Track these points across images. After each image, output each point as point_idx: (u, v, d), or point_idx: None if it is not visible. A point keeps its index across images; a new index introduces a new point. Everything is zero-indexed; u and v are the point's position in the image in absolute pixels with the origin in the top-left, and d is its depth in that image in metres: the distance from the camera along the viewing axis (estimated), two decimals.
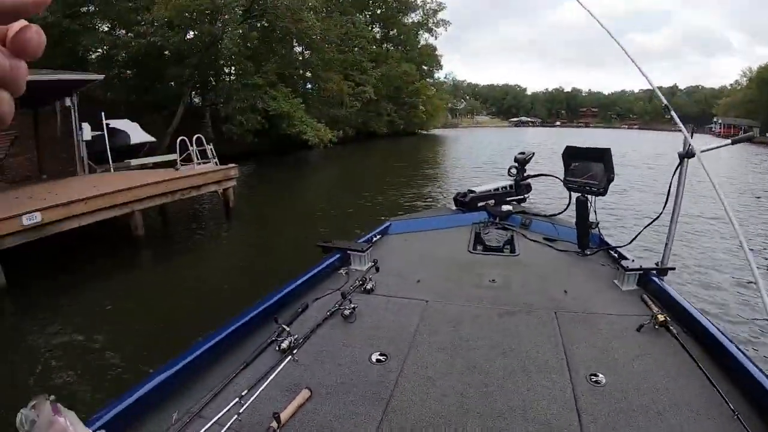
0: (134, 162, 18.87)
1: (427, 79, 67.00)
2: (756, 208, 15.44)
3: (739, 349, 2.67)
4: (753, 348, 5.87)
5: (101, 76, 18.18)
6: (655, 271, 3.86)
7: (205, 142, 14.89)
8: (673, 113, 3.60)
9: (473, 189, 6.23)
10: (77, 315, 7.02)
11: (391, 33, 59.24)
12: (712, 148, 3.79)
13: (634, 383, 2.53)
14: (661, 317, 3.06)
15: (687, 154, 3.72)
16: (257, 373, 2.65)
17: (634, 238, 4.54)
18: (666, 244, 4.04)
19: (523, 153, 6.36)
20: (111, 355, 5.66)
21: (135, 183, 10.97)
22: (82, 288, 8.23)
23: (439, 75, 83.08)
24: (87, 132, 16.64)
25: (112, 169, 17.05)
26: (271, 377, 2.64)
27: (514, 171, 6.32)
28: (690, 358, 2.73)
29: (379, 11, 56.74)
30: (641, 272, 3.85)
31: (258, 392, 2.48)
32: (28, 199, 10.01)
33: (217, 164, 14.64)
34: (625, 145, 44.36)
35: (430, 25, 64.56)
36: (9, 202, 9.35)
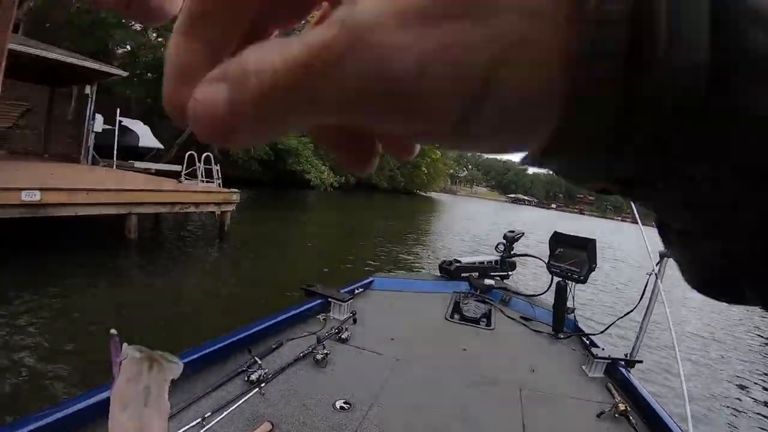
0: (138, 164, 18.91)
1: None
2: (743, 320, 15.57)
3: None
4: None
5: (125, 73, 18.43)
6: (623, 362, 3.98)
7: (213, 162, 14.97)
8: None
9: (459, 259, 6.33)
10: (44, 303, 6.97)
11: None
12: None
13: None
14: (622, 406, 3.18)
15: (667, 254, 3.86)
16: (222, 399, 2.72)
17: (606, 328, 4.67)
18: (637, 336, 4.18)
19: (512, 231, 6.49)
20: (67, 357, 5.62)
21: (138, 185, 11.04)
22: (59, 277, 8.17)
23: None
24: (99, 123, 16.75)
25: (114, 165, 17.08)
26: (236, 405, 2.71)
27: (501, 247, 6.45)
28: None
29: None
30: (609, 361, 3.96)
31: (221, 417, 2.55)
32: (30, 175, 10.07)
33: (220, 186, 14.76)
34: (616, 238, 44.64)
35: None
36: (10, 173, 9.40)
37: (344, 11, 0.17)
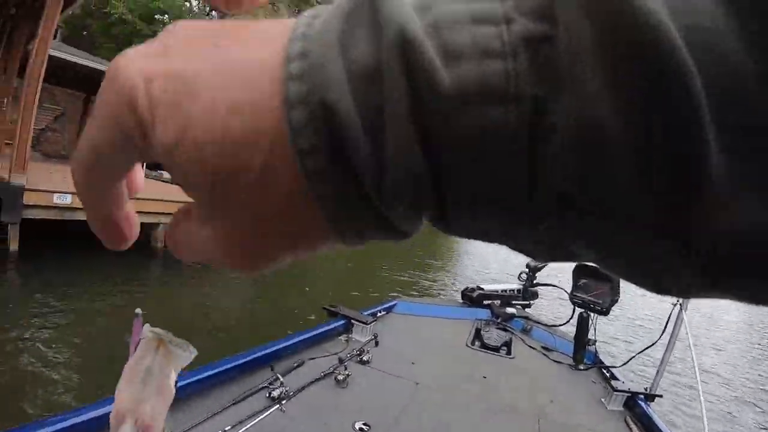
0: (166, 174, 19.11)
1: None
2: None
3: None
4: None
5: None
6: (642, 396, 3.91)
7: None
8: None
9: (482, 286, 6.31)
10: (72, 305, 7.07)
11: None
12: None
13: None
14: None
15: None
16: (243, 415, 2.73)
17: (627, 361, 4.58)
18: (658, 370, 4.11)
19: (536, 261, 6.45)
20: (86, 358, 5.69)
21: (167, 196, 11.15)
22: (86, 279, 8.31)
23: None
24: None
25: (143, 174, 17.32)
26: (256, 420, 2.71)
27: (524, 276, 6.43)
28: None
29: None
30: (629, 394, 3.90)
31: (241, 431, 2.56)
32: (62, 178, 10.24)
33: None
34: None
35: None
36: (43, 176, 9.56)
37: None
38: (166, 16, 29.57)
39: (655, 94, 0.19)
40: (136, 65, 0.23)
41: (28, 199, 8.00)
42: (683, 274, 0.22)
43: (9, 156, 8.68)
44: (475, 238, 0.25)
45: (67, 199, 8.33)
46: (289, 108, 0.21)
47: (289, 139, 0.22)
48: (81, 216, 8.72)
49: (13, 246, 8.22)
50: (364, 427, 2.91)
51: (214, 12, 33.02)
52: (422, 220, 0.25)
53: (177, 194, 12.04)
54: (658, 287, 0.23)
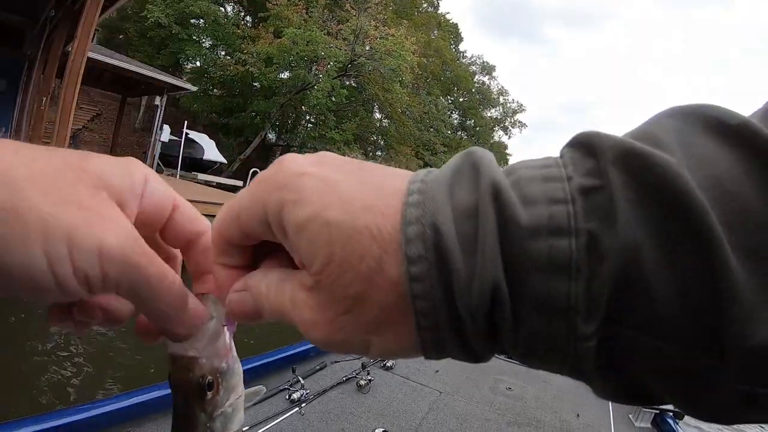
0: (201, 176, 19.38)
1: None
2: None
3: None
4: None
5: (194, 88, 19.08)
6: (671, 413, 3.80)
7: None
8: None
9: None
10: None
11: (468, 123, 59.88)
12: None
13: None
14: None
15: None
16: (262, 415, 2.70)
17: None
18: None
19: None
20: (118, 353, 5.73)
21: (204, 198, 11.21)
22: None
23: None
24: (166, 134, 17.29)
25: (178, 176, 17.54)
26: (275, 422, 2.68)
27: None
28: None
29: (461, 99, 57.74)
30: (657, 411, 3.79)
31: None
32: None
33: None
34: None
35: (506, 123, 65.53)
36: None
37: (296, 318, 0.33)
38: (202, 20, 29.99)
39: (678, 225, 0.25)
40: (297, 162, 0.32)
41: None
42: (722, 388, 0.26)
43: None
44: (525, 355, 0.30)
45: None
46: (405, 225, 0.28)
47: (402, 245, 0.28)
48: None
49: None
50: None
51: (248, 17, 33.52)
52: (494, 343, 0.29)
53: (212, 196, 12.17)
54: (702, 404, 0.27)
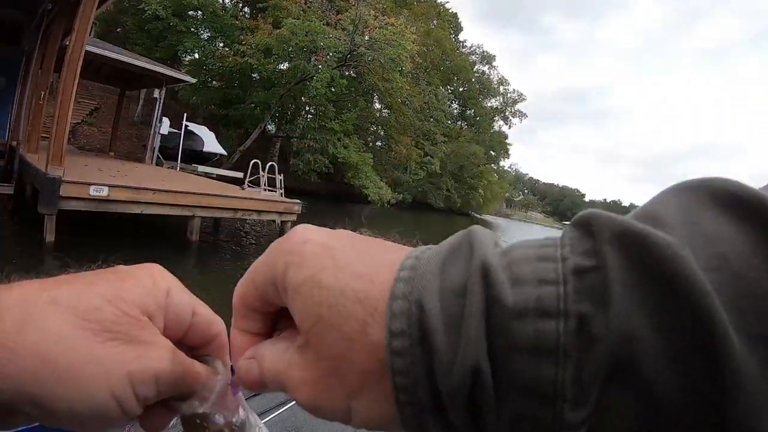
0: (201, 168, 19.35)
1: (492, 165, 67.53)
2: None
3: None
4: None
5: (193, 80, 19.02)
6: None
7: (276, 172, 15.12)
8: None
9: None
10: None
11: (468, 112, 59.84)
12: None
13: None
14: None
15: None
16: (263, 406, 2.67)
17: None
18: None
19: None
20: None
21: (202, 189, 11.21)
22: None
23: (505, 163, 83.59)
24: (165, 126, 17.28)
25: (178, 168, 17.52)
26: (277, 413, 2.65)
27: None
28: None
29: (461, 89, 57.64)
30: None
31: (261, 423, 2.50)
32: (98, 171, 10.40)
33: (282, 195, 14.86)
34: None
35: (507, 113, 65.50)
36: (79, 168, 9.66)
37: (288, 383, 0.35)
38: (199, 12, 29.90)
39: (676, 309, 0.24)
40: (305, 231, 0.36)
41: (65, 191, 8.01)
42: None
43: (46, 149, 8.80)
44: None
45: (104, 191, 8.38)
46: (392, 299, 0.30)
47: (387, 319, 0.29)
48: (117, 208, 8.83)
49: (50, 237, 8.25)
50: None
51: (246, 8, 33.39)
52: (477, 426, 0.29)
53: (211, 188, 12.14)
54: None
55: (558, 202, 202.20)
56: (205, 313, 0.44)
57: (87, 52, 9.03)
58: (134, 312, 0.37)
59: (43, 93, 11.14)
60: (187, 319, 0.42)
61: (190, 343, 0.43)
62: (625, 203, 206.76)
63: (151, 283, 0.40)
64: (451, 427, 0.29)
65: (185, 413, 0.41)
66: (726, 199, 0.27)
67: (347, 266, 0.32)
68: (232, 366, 0.43)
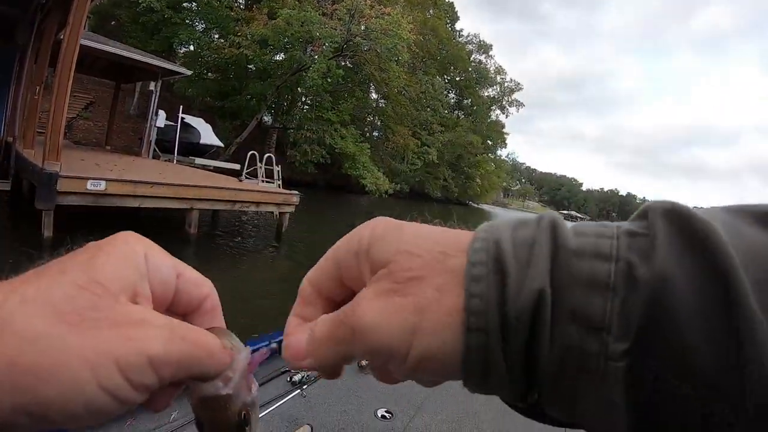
0: (198, 160, 19.32)
1: (490, 155, 67.51)
2: None
3: None
4: None
5: (189, 72, 18.97)
6: None
7: (274, 163, 15.11)
8: None
9: None
10: None
11: (465, 102, 59.80)
12: None
13: None
14: None
15: None
16: (263, 398, 2.71)
17: None
18: None
19: None
20: None
21: (200, 181, 11.17)
22: None
23: (502, 153, 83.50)
24: (162, 119, 17.20)
25: (175, 160, 17.49)
26: (276, 405, 2.69)
27: None
28: None
29: (458, 78, 57.56)
30: None
31: (261, 416, 2.54)
32: (95, 165, 10.37)
33: (280, 186, 14.84)
34: None
35: (504, 102, 65.45)
36: (75, 163, 9.63)
37: (350, 314, 0.35)
38: (194, 4, 29.77)
39: (706, 265, 0.28)
40: (372, 222, 0.38)
41: (62, 186, 8.00)
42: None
43: (42, 144, 8.77)
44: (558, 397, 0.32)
45: (101, 186, 8.37)
46: (473, 241, 0.34)
47: (468, 252, 0.33)
48: (114, 202, 8.81)
49: (47, 233, 8.22)
50: (386, 414, 2.86)
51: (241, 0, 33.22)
52: (525, 384, 0.32)
53: (209, 180, 12.13)
54: None
55: (555, 192, 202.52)
56: (190, 273, 0.42)
57: (81, 46, 8.98)
58: (113, 290, 0.34)
59: (38, 88, 11.10)
60: (172, 283, 0.40)
61: (179, 310, 0.41)
62: (622, 192, 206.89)
63: (125, 253, 0.37)
64: (508, 360, 0.31)
65: (206, 395, 0.38)
66: (763, 216, 0.32)
67: (424, 233, 0.36)
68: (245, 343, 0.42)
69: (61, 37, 9.16)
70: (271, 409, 2.65)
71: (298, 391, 2.85)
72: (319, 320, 0.37)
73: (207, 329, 0.39)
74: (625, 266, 0.30)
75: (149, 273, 0.37)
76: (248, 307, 8.07)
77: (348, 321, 0.35)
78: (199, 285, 0.42)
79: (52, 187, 7.93)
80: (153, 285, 0.38)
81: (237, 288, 9.13)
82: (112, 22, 29.97)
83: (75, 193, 8.17)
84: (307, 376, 2.96)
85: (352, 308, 0.35)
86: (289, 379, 2.92)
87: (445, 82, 53.67)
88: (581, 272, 0.31)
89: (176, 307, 0.41)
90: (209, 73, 31.79)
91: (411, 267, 0.34)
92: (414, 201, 45.09)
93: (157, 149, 17.73)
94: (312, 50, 29.15)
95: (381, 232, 0.36)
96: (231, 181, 13.20)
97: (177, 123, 18.71)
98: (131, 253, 0.37)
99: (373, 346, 0.34)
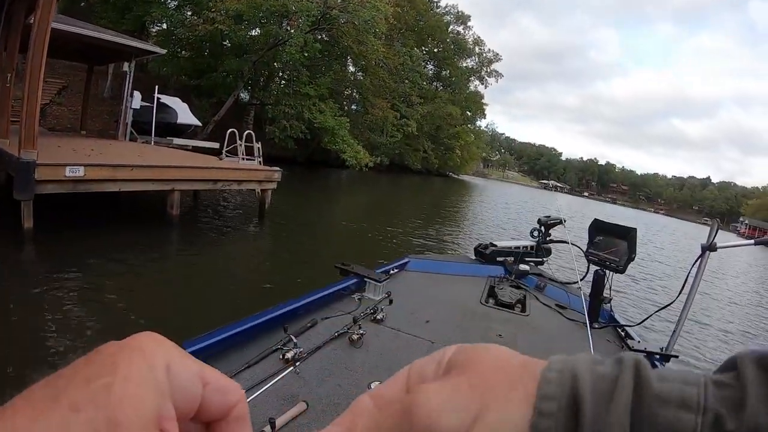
0: (176, 141, 19.13)
1: (469, 126, 67.53)
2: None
3: None
4: None
5: (163, 51, 18.62)
6: (658, 356, 3.84)
7: (254, 140, 15.02)
8: None
9: (495, 243, 6.25)
10: (92, 276, 7.12)
11: (443, 73, 59.62)
12: (734, 245, 3.85)
13: None
14: None
15: (710, 247, 3.65)
16: (257, 377, 2.74)
17: (644, 320, 4.51)
18: (674, 330, 3.93)
19: (548, 216, 6.41)
20: (107, 324, 5.74)
21: (179, 162, 11.07)
22: (106, 249, 8.35)
23: (481, 123, 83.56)
24: (137, 100, 16.91)
25: (153, 142, 17.30)
26: (271, 383, 2.72)
27: (536, 233, 6.38)
28: None
29: (436, 50, 57.30)
30: (644, 354, 3.83)
31: (255, 395, 2.57)
32: (71, 151, 10.19)
33: (261, 163, 14.73)
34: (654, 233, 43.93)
35: (482, 73, 65.37)
36: (52, 150, 9.45)
37: (412, 400, 0.33)
38: None
39: None
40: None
41: (40, 174, 7.85)
42: None
43: (16, 133, 8.58)
44: None
45: (80, 171, 8.24)
46: (546, 370, 0.33)
47: (536, 400, 0.31)
48: (94, 187, 8.70)
49: (28, 224, 8.07)
50: None
51: None
52: None
53: (189, 160, 12.02)
54: None
55: (534, 161, 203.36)
56: (217, 379, 0.37)
57: (52, 29, 8.78)
58: (136, 425, 0.29)
59: (9, 75, 10.88)
60: (198, 395, 0.35)
61: (204, 418, 0.36)
62: (602, 162, 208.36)
63: (144, 373, 0.31)
64: None
65: None
66: None
67: (502, 366, 0.36)
68: None
69: (31, 21, 8.96)
70: (266, 387, 2.68)
71: (292, 368, 2.88)
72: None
73: None
74: (713, 418, 0.29)
75: (172, 390, 0.32)
76: (234, 283, 8.15)
77: (406, 403, 0.34)
78: (226, 393, 0.37)
79: (30, 176, 7.77)
80: (176, 402, 0.33)
81: (223, 266, 9.16)
82: (82, 3, 29.31)
83: (53, 181, 8.04)
84: (300, 352, 2.98)
85: (411, 395, 0.35)
86: (281, 357, 2.95)
87: (424, 54, 53.22)
88: (665, 422, 0.29)
89: (201, 416, 0.36)
90: (183, 51, 31.27)
91: (484, 369, 0.35)
92: (394, 173, 45.18)
93: (133, 131, 17.47)
94: (288, 24, 28.75)
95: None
96: (211, 160, 13.04)
97: (153, 104, 18.43)
98: (150, 372, 0.32)
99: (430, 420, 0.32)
